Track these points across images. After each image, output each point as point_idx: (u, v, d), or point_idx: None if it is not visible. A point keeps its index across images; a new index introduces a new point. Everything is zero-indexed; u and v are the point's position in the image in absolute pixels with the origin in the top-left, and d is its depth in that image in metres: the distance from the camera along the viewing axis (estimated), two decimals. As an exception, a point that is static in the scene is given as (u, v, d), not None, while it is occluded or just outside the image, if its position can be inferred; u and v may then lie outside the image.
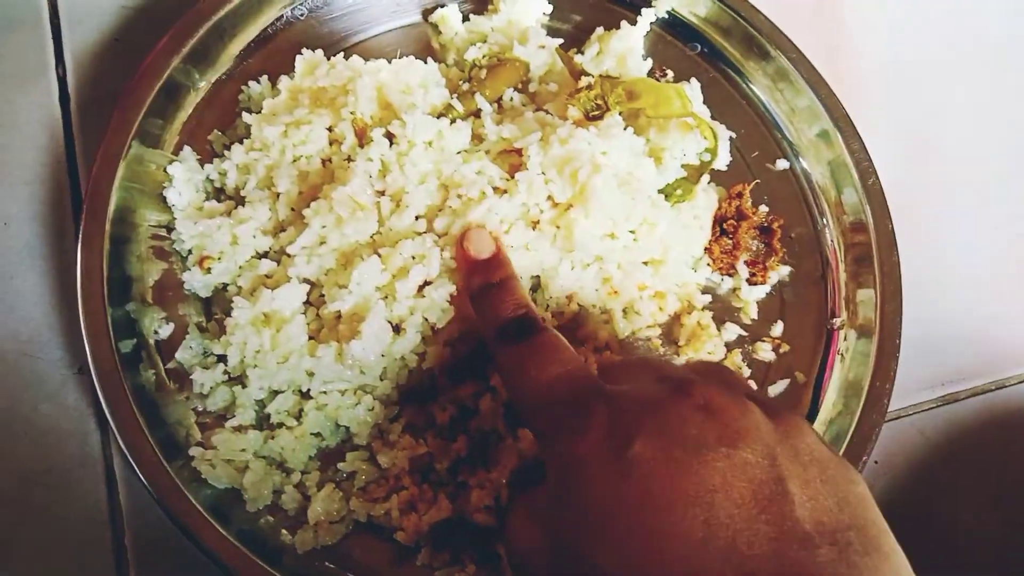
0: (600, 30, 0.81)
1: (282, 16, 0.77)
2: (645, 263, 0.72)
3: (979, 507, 0.78)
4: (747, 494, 0.41)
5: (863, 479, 0.45)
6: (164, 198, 0.70)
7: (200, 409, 0.65)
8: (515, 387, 0.53)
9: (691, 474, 0.41)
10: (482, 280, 0.61)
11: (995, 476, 0.80)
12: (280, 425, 0.65)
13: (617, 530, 0.41)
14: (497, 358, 0.57)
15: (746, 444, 0.43)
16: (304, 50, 0.74)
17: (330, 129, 0.70)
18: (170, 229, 0.70)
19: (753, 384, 0.74)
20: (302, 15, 0.78)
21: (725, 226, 0.77)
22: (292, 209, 0.68)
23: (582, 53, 0.80)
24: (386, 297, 0.64)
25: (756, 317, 0.76)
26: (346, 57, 0.73)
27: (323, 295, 0.65)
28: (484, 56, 0.77)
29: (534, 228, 0.67)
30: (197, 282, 0.68)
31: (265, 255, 0.69)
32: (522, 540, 0.48)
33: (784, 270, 0.78)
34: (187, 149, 0.72)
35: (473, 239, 0.62)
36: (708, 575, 0.38)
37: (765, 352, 0.75)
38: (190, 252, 0.68)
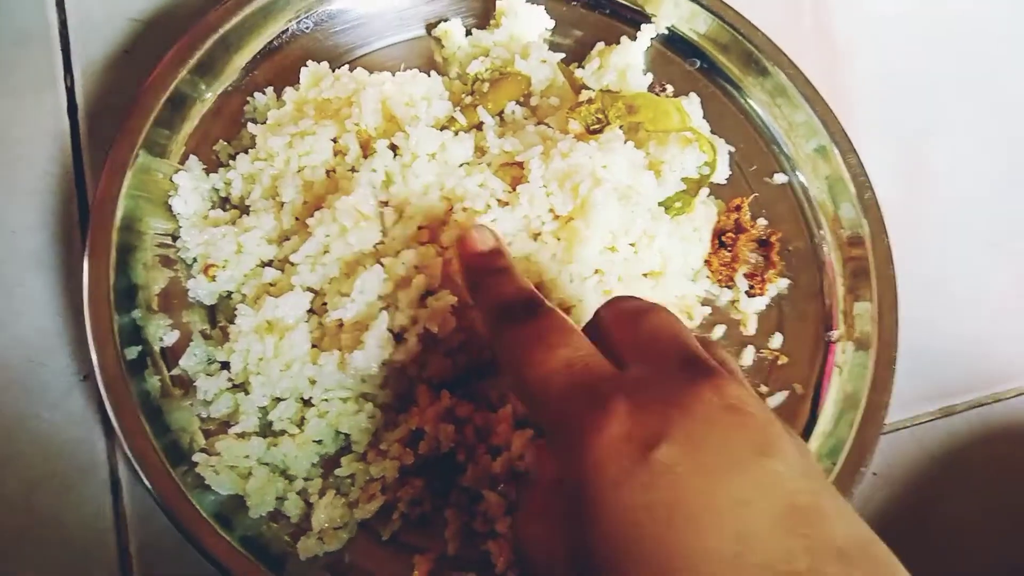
0: (601, 45, 0.82)
1: (288, 29, 0.79)
2: (645, 275, 0.72)
3: (977, 519, 0.79)
4: (781, 507, 0.38)
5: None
6: (170, 207, 0.70)
7: (204, 416, 0.66)
8: (518, 375, 0.47)
9: (723, 484, 0.38)
10: (483, 266, 0.57)
11: (993, 489, 0.80)
12: (282, 432, 0.65)
13: (644, 545, 0.38)
14: (498, 344, 0.51)
15: (778, 454, 0.40)
16: (309, 62, 0.75)
17: (334, 140, 0.70)
18: (175, 237, 0.71)
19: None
20: (307, 28, 0.79)
21: (724, 239, 0.78)
22: (296, 218, 0.69)
23: (583, 68, 0.81)
24: (388, 306, 0.64)
25: (755, 329, 0.77)
26: (351, 69, 0.74)
27: (326, 303, 0.66)
28: (486, 70, 0.78)
29: (535, 240, 0.68)
30: (202, 290, 0.68)
31: (269, 264, 0.69)
32: (539, 551, 0.44)
33: (782, 283, 0.78)
34: (193, 159, 0.73)
35: (473, 233, 0.59)
36: None
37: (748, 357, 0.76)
38: (195, 260, 0.69)
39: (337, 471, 0.66)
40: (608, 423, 0.41)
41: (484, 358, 0.68)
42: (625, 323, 0.49)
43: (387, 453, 0.65)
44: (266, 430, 0.66)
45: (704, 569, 0.36)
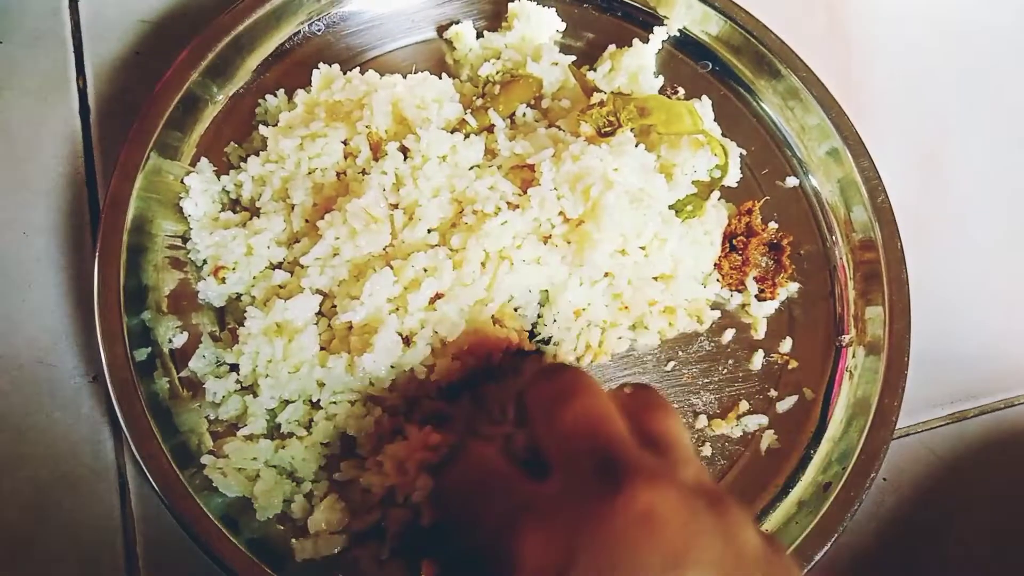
0: (612, 48, 0.82)
1: (299, 31, 0.79)
2: (655, 278, 0.72)
3: (987, 525, 0.78)
4: None
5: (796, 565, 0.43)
6: (181, 209, 0.71)
7: (212, 418, 0.66)
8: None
9: None
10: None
11: (1003, 494, 0.80)
12: (290, 435, 0.65)
13: None
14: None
15: (691, 564, 0.39)
16: (321, 65, 0.75)
17: (345, 142, 0.70)
18: (186, 239, 0.71)
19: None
20: (319, 31, 0.79)
21: (735, 242, 0.77)
22: (306, 221, 0.69)
23: (594, 70, 0.80)
24: (397, 309, 0.64)
25: (765, 333, 0.76)
26: (362, 72, 0.74)
27: (335, 306, 0.66)
28: (498, 72, 0.78)
29: (545, 243, 0.67)
30: (212, 292, 0.68)
31: (279, 266, 0.69)
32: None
33: (793, 287, 0.78)
34: (204, 161, 0.73)
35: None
36: None
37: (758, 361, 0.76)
38: (205, 262, 0.69)
39: (336, 475, 0.66)
40: (523, 557, 0.41)
41: (493, 361, 0.68)
42: (544, 413, 0.49)
43: (382, 467, 0.65)
44: (274, 432, 0.66)
45: None
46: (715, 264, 0.77)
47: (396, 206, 0.67)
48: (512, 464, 0.49)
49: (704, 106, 0.79)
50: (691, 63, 0.85)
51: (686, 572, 0.39)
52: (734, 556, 0.40)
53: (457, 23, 0.81)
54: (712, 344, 0.76)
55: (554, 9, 0.82)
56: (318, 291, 0.66)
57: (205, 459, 0.63)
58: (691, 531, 0.40)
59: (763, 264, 0.78)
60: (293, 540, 0.64)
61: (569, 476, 0.44)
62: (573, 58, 0.79)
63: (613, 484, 0.41)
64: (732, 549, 0.40)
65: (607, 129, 0.72)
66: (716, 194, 0.76)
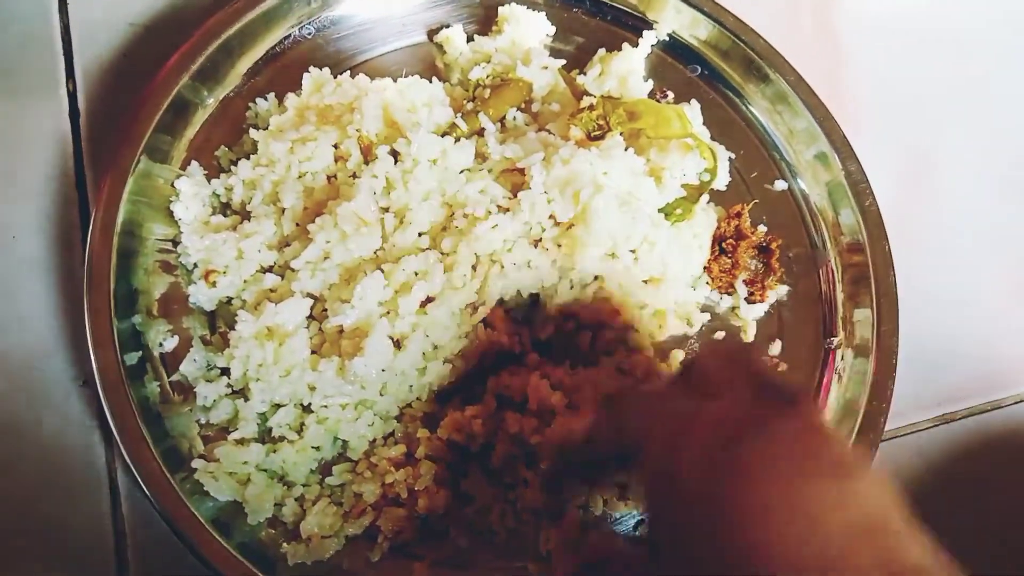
0: (602, 51, 0.82)
1: (290, 35, 0.79)
2: (645, 281, 0.72)
3: (976, 526, 0.79)
4: (857, 520, 0.39)
5: None
6: (171, 212, 0.71)
7: (203, 422, 0.66)
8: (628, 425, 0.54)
9: (805, 488, 0.40)
10: None
11: (992, 496, 0.80)
12: (282, 439, 0.65)
13: (717, 524, 0.40)
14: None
15: (857, 475, 0.41)
16: (311, 68, 0.76)
17: (336, 146, 0.71)
18: (176, 243, 0.71)
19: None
20: (309, 34, 0.79)
21: (724, 245, 0.78)
22: (297, 224, 0.69)
23: (584, 74, 0.81)
24: (388, 313, 0.64)
25: (754, 336, 0.77)
26: (352, 75, 0.75)
27: (326, 310, 0.66)
28: (488, 76, 0.78)
29: (535, 246, 0.68)
30: (202, 295, 0.68)
31: (270, 269, 0.69)
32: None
33: (782, 289, 0.78)
34: (194, 164, 0.73)
35: None
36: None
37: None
38: (196, 266, 0.69)
39: (328, 479, 0.66)
40: (694, 430, 0.44)
41: (486, 362, 0.69)
42: (721, 367, 0.52)
43: (377, 468, 0.65)
44: (265, 436, 0.66)
45: (764, 553, 0.38)
46: (704, 267, 0.77)
47: (387, 210, 0.67)
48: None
49: (693, 110, 0.79)
50: (680, 67, 0.85)
51: (851, 481, 0.40)
52: (885, 492, 0.41)
53: (447, 27, 0.81)
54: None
55: (544, 13, 0.82)
56: (309, 295, 0.66)
57: (196, 463, 0.63)
58: (854, 455, 0.46)
59: (752, 267, 0.78)
60: (285, 544, 0.64)
61: (740, 396, 0.47)
62: (563, 62, 0.79)
63: (783, 401, 0.45)
64: (884, 487, 0.41)
65: (597, 133, 0.72)
66: (705, 197, 0.77)
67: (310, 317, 0.67)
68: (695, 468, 0.43)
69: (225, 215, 0.72)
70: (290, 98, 0.74)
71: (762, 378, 0.48)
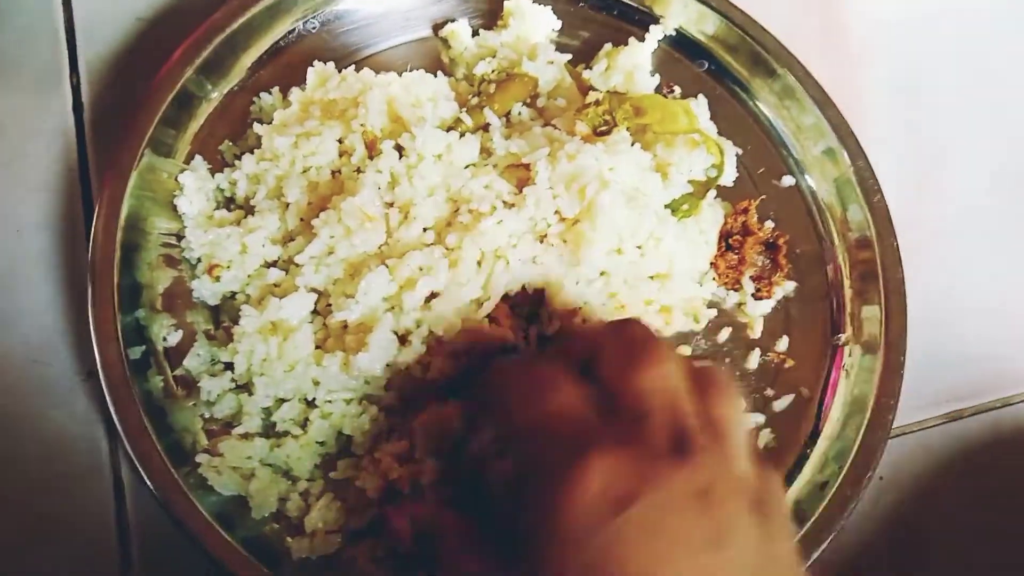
0: (608, 46, 0.82)
1: (294, 29, 0.78)
2: (651, 278, 0.72)
3: (984, 524, 0.78)
4: None
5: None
6: (175, 207, 0.70)
7: (207, 416, 0.66)
8: (508, 413, 0.51)
9: (671, 565, 0.41)
10: None
11: (1000, 494, 0.80)
12: (286, 433, 0.65)
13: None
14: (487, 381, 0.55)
15: (731, 546, 0.42)
16: (316, 62, 0.75)
17: (340, 141, 0.70)
18: (180, 237, 0.70)
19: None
20: (314, 28, 0.79)
21: (731, 241, 0.77)
22: (301, 219, 0.69)
23: (590, 69, 0.80)
24: (393, 308, 0.64)
25: (761, 332, 0.76)
26: (357, 70, 0.74)
27: (330, 305, 0.65)
28: (493, 71, 0.78)
29: (541, 242, 0.67)
30: (206, 290, 0.68)
31: (274, 264, 0.69)
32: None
33: (789, 286, 0.78)
34: (198, 159, 0.73)
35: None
36: None
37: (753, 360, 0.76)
38: (199, 260, 0.69)
39: (332, 474, 0.65)
40: (587, 475, 0.43)
41: (490, 356, 0.68)
42: (625, 364, 0.49)
43: (379, 463, 0.65)
44: (269, 431, 0.66)
45: None
46: (711, 263, 0.77)
47: (391, 205, 0.67)
48: (580, 385, 0.49)
49: (700, 105, 0.79)
50: (687, 62, 0.84)
51: (722, 553, 0.42)
52: (767, 557, 0.43)
53: (452, 21, 0.81)
54: (708, 343, 0.76)
55: (550, 8, 0.82)
56: (313, 290, 0.66)
57: (200, 457, 0.63)
58: (737, 520, 0.43)
59: (759, 263, 0.78)
60: (289, 539, 0.63)
61: (639, 430, 0.46)
62: (569, 57, 0.79)
63: (681, 456, 0.44)
64: (767, 549, 0.43)
65: (603, 128, 0.72)
66: (712, 193, 0.76)
67: (314, 312, 0.66)
68: (582, 515, 0.42)
69: (229, 210, 0.72)
70: (294, 92, 0.74)
71: (673, 419, 0.47)
